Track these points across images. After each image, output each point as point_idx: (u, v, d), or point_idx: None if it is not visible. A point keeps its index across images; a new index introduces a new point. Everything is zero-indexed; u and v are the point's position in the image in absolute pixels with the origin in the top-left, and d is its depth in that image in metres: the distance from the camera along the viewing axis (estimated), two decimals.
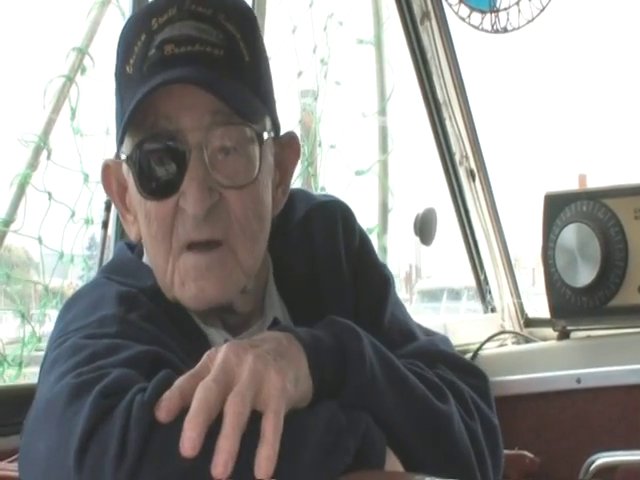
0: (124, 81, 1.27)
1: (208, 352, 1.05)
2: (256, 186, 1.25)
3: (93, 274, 2.22)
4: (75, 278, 2.57)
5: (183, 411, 0.98)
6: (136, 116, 1.22)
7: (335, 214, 1.43)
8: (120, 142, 1.26)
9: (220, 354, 1.03)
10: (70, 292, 2.19)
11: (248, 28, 1.29)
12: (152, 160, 1.23)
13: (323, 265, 1.40)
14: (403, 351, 1.31)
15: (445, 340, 1.44)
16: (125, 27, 1.30)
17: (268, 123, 1.29)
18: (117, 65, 1.29)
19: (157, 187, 1.24)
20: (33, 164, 2.28)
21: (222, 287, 1.25)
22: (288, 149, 1.36)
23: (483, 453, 1.26)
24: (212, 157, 1.22)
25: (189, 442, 0.95)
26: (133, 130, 1.24)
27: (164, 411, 0.99)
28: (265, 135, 1.27)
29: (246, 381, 1.00)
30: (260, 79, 1.29)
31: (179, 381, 1.02)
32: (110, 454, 0.99)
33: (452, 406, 1.23)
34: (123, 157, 1.27)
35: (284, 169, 1.35)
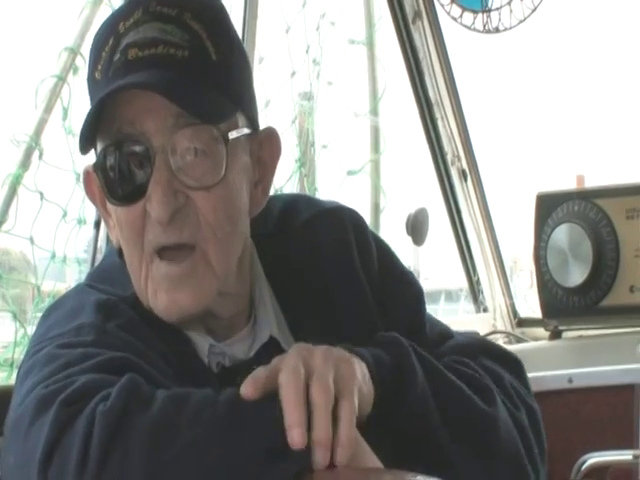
0: (93, 87, 1.25)
1: (276, 357, 1.08)
2: (225, 186, 1.22)
3: None
4: (73, 281, 2.55)
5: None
6: (101, 122, 1.20)
7: (343, 221, 1.39)
8: (82, 149, 1.24)
9: (290, 351, 1.08)
10: None
11: (216, 25, 1.26)
12: (117, 165, 1.21)
13: (333, 275, 1.36)
14: (444, 348, 1.34)
15: (476, 334, 1.47)
16: (96, 33, 1.28)
17: (241, 120, 1.26)
18: (88, 71, 1.27)
19: (124, 192, 1.22)
20: (25, 164, 2.28)
21: (194, 297, 1.22)
22: (267, 145, 1.32)
23: (530, 441, 1.29)
24: (177, 159, 1.20)
25: (297, 435, 0.99)
26: (100, 136, 1.22)
27: (251, 387, 1.03)
28: (234, 134, 1.24)
29: (324, 367, 1.04)
30: (230, 77, 1.26)
31: (261, 368, 1.06)
32: (72, 464, 0.99)
33: (498, 407, 1.26)
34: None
35: (264, 166, 1.31)
